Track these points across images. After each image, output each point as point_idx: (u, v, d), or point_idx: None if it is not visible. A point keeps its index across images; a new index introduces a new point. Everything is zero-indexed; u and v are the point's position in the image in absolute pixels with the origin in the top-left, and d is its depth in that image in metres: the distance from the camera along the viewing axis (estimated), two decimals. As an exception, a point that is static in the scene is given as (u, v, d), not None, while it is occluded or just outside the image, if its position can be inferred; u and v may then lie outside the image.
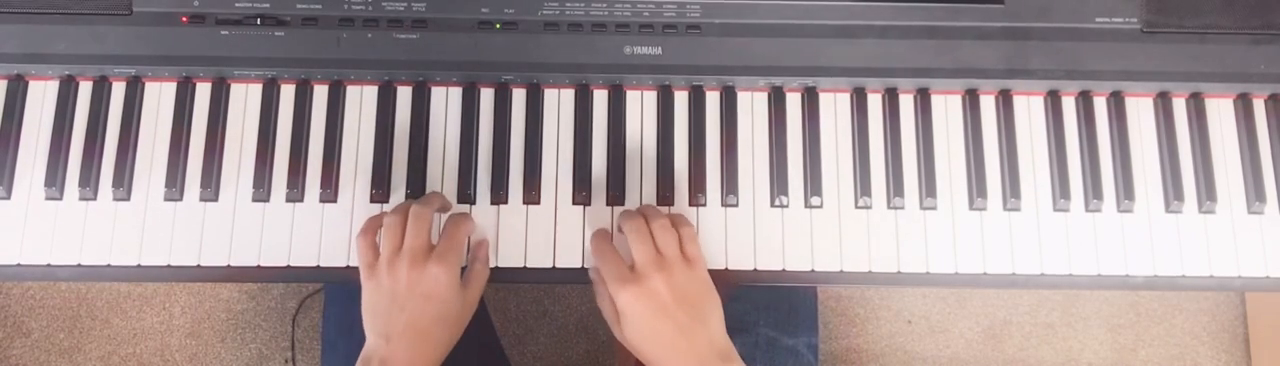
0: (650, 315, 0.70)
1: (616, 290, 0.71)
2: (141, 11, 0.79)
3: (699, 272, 0.73)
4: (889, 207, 0.81)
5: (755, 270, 0.79)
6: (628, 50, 0.81)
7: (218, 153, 0.79)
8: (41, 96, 0.80)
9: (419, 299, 0.71)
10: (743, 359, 0.72)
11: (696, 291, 0.71)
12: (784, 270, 0.79)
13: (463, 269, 0.75)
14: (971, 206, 0.81)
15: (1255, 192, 0.82)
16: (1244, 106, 0.84)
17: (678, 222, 0.75)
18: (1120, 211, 0.81)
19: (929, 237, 0.80)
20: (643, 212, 0.76)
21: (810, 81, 0.82)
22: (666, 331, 0.70)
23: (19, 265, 0.77)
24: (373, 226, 0.75)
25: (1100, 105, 0.84)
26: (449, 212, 0.78)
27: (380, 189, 0.79)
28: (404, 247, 0.72)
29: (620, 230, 0.76)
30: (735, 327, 0.72)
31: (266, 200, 0.79)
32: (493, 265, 0.78)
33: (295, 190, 0.79)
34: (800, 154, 0.82)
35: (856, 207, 0.81)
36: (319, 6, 0.80)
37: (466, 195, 0.79)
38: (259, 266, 0.78)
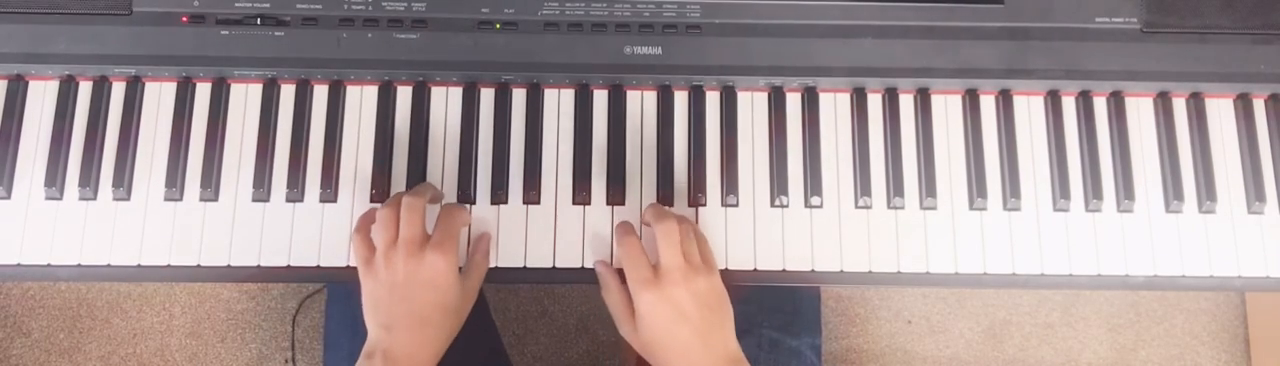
0: (670, 319, 0.70)
1: (638, 291, 0.71)
2: (141, 11, 0.79)
3: (717, 280, 0.73)
4: (889, 207, 0.81)
5: (755, 270, 0.79)
6: (628, 50, 0.80)
7: (218, 152, 0.79)
8: (41, 96, 0.80)
9: (418, 287, 0.71)
10: (747, 360, 0.72)
11: (715, 299, 0.72)
12: (784, 270, 0.79)
13: (462, 260, 0.76)
14: (971, 206, 0.81)
15: (1255, 192, 0.82)
16: (1244, 106, 0.84)
17: (697, 230, 0.76)
18: (1120, 211, 0.81)
19: (929, 237, 0.80)
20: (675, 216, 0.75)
21: (810, 81, 0.82)
22: (682, 336, 0.70)
23: (19, 265, 0.77)
24: (366, 223, 0.75)
25: (1100, 105, 0.84)
26: (443, 203, 0.78)
27: (380, 189, 0.79)
28: (400, 238, 0.71)
29: (645, 223, 0.77)
30: (739, 329, 0.73)
31: (266, 200, 0.79)
32: (492, 265, 0.78)
33: (295, 190, 0.79)
34: (800, 154, 0.82)
35: (856, 207, 0.81)
36: (319, 6, 0.80)
37: (466, 195, 0.79)
38: (259, 266, 0.78)
